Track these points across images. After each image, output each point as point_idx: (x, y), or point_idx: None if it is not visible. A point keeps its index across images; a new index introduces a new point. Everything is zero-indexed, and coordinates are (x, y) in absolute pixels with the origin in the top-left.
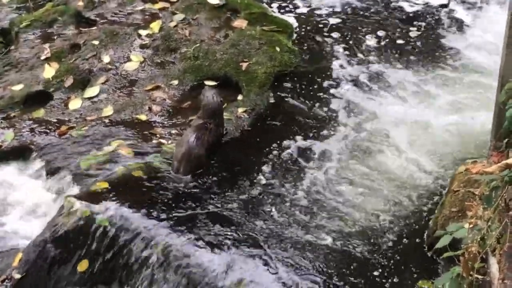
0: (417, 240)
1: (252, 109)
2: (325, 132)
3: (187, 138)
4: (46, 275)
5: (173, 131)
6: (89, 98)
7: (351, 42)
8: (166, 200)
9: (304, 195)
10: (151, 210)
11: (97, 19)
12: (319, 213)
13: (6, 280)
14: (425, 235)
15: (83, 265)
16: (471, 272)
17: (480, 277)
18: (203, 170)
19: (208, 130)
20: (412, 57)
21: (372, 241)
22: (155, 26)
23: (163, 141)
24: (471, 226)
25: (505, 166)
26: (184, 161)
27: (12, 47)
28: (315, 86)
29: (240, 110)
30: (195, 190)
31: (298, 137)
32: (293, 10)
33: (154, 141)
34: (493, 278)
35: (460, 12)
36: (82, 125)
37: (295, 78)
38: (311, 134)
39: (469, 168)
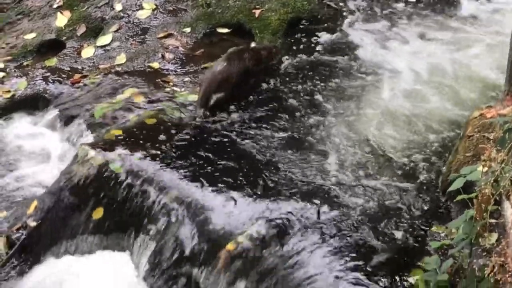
0: (431, 186)
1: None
2: (339, 74)
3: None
4: (61, 222)
5: (186, 79)
6: (102, 47)
7: None
8: (179, 147)
9: (325, 137)
10: (165, 157)
11: None
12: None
13: (22, 228)
14: (439, 180)
15: (98, 213)
16: (484, 214)
17: (493, 220)
18: (222, 111)
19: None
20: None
21: (384, 187)
22: None
23: (176, 88)
24: (484, 168)
25: None
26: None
27: None
28: (329, 32)
29: None
30: (211, 136)
31: (310, 83)
32: None
33: (167, 89)
34: (507, 222)
35: None
36: (95, 73)
37: (309, 24)
38: (326, 78)
39: (484, 113)
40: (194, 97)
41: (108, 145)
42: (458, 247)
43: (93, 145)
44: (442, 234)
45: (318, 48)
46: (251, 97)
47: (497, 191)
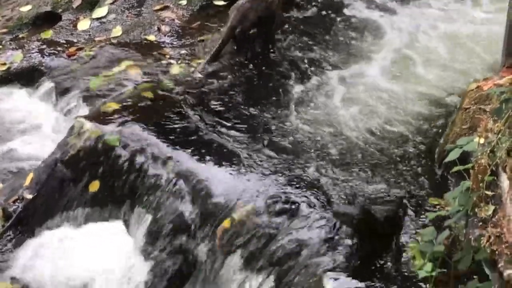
0: (428, 158)
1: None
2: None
3: None
4: (58, 195)
5: (182, 51)
6: (98, 19)
7: None
8: (175, 119)
9: (324, 101)
10: (161, 130)
11: None
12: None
13: (18, 200)
14: (435, 153)
15: (94, 185)
16: (480, 185)
17: (490, 192)
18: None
19: None
20: None
21: (378, 159)
22: None
23: (172, 61)
24: (481, 139)
25: None
26: None
27: None
28: None
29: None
30: (210, 105)
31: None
32: None
33: (163, 62)
34: (503, 193)
35: None
36: (91, 46)
37: None
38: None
39: (480, 85)
40: (189, 69)
41: (104, 118)
42: (454, 218)
43: (89, 118)
44: (438, 206)
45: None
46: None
47: (494, 162)
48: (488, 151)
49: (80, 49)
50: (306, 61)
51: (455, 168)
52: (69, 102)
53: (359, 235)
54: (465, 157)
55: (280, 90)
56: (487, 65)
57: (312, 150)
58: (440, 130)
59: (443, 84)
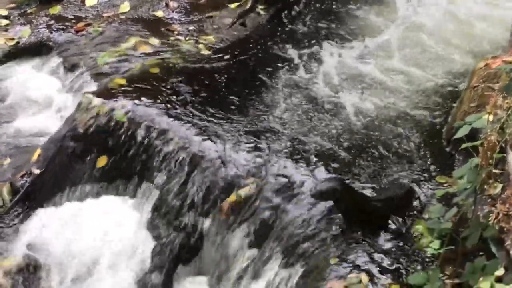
0: (436, 136)
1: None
2: None
3: None
4: (65, 170)
5: (190, 28)
6: None
7: None
8: (184, 95)
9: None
10: (168, 106)
11: None
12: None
13: (26, 175)
14: (443, 131)
15: (102, 161)
16: (490, 161)
17: (498, 171)
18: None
19: None
20: None
21: (387, 136)
22: None
23: (180, 37)
24: (490, 116)
25: None
26: None
27: None
28: None
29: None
30: (217, 81)
31: None
32: None
33: (171, 38)
34: (511, 171)
35: None
36: (99, 21)
37: None
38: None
39: (489, 63)
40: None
41: (112, 94)
42: (462, 195)
43: (96, 94)
44: (446, 184)
45: None
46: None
47: (503, 138)
48: (498, 128)
49: (88, 24)
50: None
51: (464, 145)
52: (77, 78)
53: (366, 213)
54: (473, 135)
55: (291, 66)
56: (497, 44)
57: (319, 125)
58: (449, 109)
59: (452, 62)
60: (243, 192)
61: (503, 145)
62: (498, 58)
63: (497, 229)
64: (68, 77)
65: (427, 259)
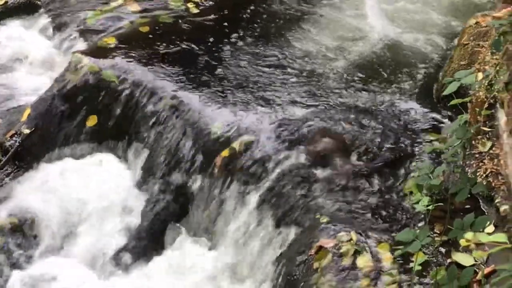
0: (426, 94)
1: None
2: None
3: None
4: (55, 130)
5: None
6: None
7: None
8: (173, 54)
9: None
10: (158, 65)
11: None
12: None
13: (16, 135)
14: (433, 88)
15: (91, 120)
16: (478, 117)
17: (487, 129)
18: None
19: None
20: None
21: (377, 94)
22: None
23: None
24: (479, 73)
25: None
26: None
27: None
28: None
29: None
30: (207, 38)
31: None
32: None
33: None
34: (501, 131)
35: None
36: None
37: None
38: None
39: (479, 21)
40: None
41: (102, 53)
42: (451, 151)
43: (86, 53)
44: (437, 141)
45: None
46: None
47: (491, 95)
48: (486, 84)
49: None
50: None
51: (453, 102)
52: (66, 37)
53: (353, 169)
54: (463, 92)
55: (277, 25)
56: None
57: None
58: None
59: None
60: (237, 145)
61: (492, 101)
62: (488, 16)
63: (485, 185)
64: (57, 36)
65: (416, 216)
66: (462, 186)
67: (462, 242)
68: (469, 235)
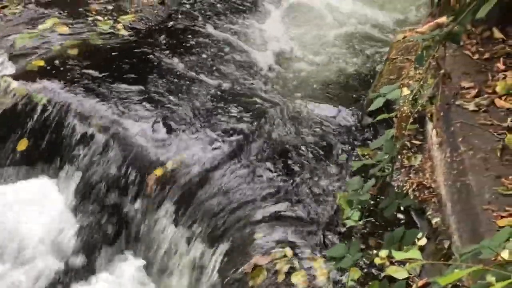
0: (357, 109)
1: None
2: None
3: None
4: None
5: (109, 7)
6: None
7: None
8: (103, 77)
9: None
10: (87, 86)
11: None
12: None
13: None
14: (364, 103)
15: (22, 144)
16: (403, 132)
17: (417, 142)
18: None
19: None
20: None
21: (307, 109)
22: None
23: (99, 17)
24: (404, 87)
25: (436, 26)
26: None
27: None
28: None
29: None
30: (137, 62)
31: None
32: None
33: (90, 18)
34: (429, 142)
35: None
36: (15, 3)
37: None
38: None
39: (407, 36)
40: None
41: (31, 76)
42: (378, 166)
43: (15, 77)
44: (367, 156)
45: None
46: None
47: (416, 110)
48: (410, 99)
49: (5, 7)
50: None
51: (380, 117)
52: None
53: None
54: (391, 107)
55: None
56: None
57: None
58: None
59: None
60: (170, 165)
61: (417, 116)
62: (415, 30)
63: (412, 198)
64: None
65: (348, 232)
66: (390, 200)
67: (377, 260)
68: (383, 252)
